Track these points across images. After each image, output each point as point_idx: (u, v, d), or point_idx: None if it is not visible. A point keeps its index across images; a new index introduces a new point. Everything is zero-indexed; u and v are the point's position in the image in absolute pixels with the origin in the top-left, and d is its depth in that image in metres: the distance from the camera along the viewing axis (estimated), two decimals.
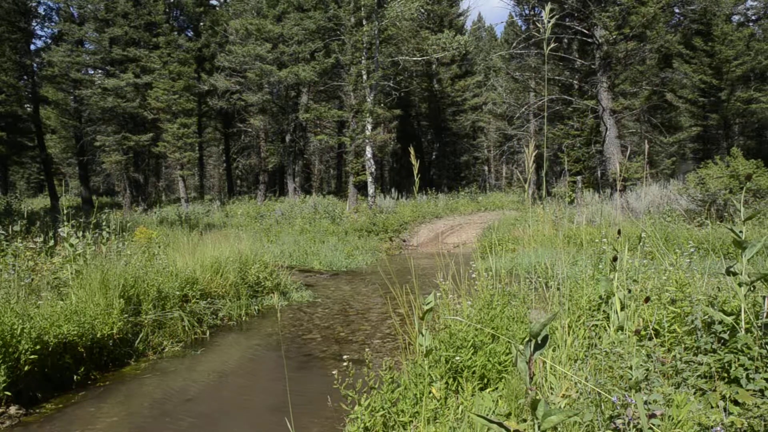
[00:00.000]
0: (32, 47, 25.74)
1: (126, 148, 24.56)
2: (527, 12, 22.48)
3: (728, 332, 2.84)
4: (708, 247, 6.52)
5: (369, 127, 20.59)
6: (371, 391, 3.16)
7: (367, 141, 20.35)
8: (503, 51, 27.40)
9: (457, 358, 3.30)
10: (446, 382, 3.25)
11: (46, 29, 29.71)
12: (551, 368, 2.89)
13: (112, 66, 24.34)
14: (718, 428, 2.11)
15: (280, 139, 25.20)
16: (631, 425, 2.14)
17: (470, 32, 43.39)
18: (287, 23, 22.16)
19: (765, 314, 2.76)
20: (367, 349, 3.61)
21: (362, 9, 19.84)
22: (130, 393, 4.64)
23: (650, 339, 3.20)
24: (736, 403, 2.48)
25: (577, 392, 2.56)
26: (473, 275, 4.30)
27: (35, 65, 25.37)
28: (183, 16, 28.30)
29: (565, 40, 19.14)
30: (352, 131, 20.58)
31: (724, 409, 2.38)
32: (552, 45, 3.01)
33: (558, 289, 3.73)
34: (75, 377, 4.79)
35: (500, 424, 1.74)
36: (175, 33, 26.56)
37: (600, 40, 16.77)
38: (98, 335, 5.12)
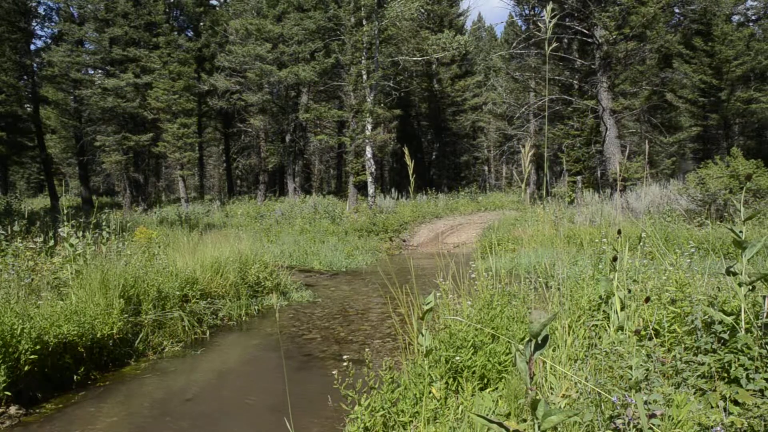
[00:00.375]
0: (32, 47, 25.75)
1: (126, 148, 24.56)
2: (527, 12, 22.48)
3: (728, 332, 2.84)
4: (708, 247, 6.52)
5: (369, 127, 20.59)
6: (371, 391, 3.16)
7: (367, 141, 20.35)
8: (503, 51, 27.40)
9: (457, 358, 3.30)
10: (446, 382, 3.25)
11: (46, 29, 29.72)
12: (551, 368, 2.89)
13: (112, 66, 24.34)
14: (718, 428, 2.11)
15: (280, 139, 25.21)
16: (631, 425, 2.14)
17: (470, 32, 43.40)
18: (287, 23, 22.16)
19: (765, 314, 2.76)
20: (367, 349, 3.61)
21: (362, 9, 19.84)
22: (130, 393, 4.64)
23: (650, 339, 3.20)
24: (736, 403, 2.48)
25: (577, 392, 2.56)
26: (473, 275, 4.30)
27: (35, 65, 25.38)
28: (183, 16, 28.30)
29: (565, 40, 19.14)
30: (352, 131, 20.59)
31: (724, 409, 2.38)
32: (553, 45, 3.01)
33: (558, 289, 3.73)
34: (75, 377, 4.79)
35: (500, 424, 1.74)
36: (175, 33, 26.56)
37: (600, 40, 16.77)
38: (98, 335, 5.12)
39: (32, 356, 4.35)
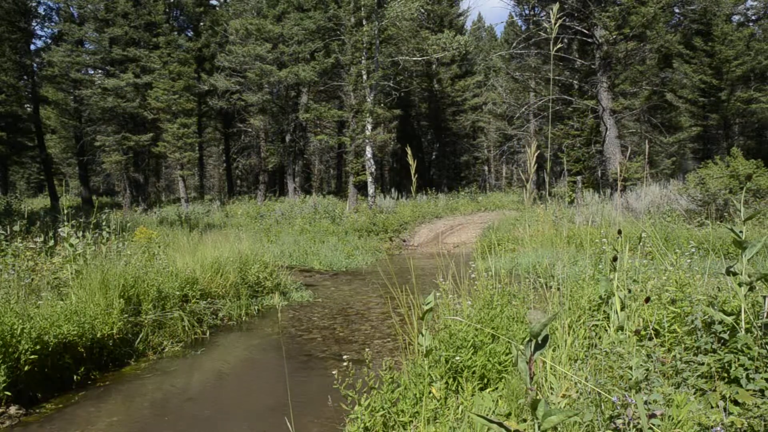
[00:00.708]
0: (32, 47, 25.78)
1: (126, 148, 24.56)
2: (527, 12, 22.49)
3: (728, 332, 2.84)
4: (708, 247, 6.52)
5: (369, 127, 20.59)
6: (371, 391, 3.16)
7: (367, 141, 20.35)
8: (503, 51, 27.40)
9: (457, 358, 3.30)
10: (446, 382, 3.25)
11: (46, 29, 29.75)
12: (551, 368, 2.89)
13: (112, 66, 24.34)
14: (718, 428, 2.11)
15: (280, 139, 25.21)
16: (631, 425, 2.14)
17: (470, 32, 43.40)
18: (287, 23, 22.16)
19: (765, 314, 2.76)
20: (367, 349, 3.61)
21: (362, 9, 19.84)
22: (130, 393, 4.64)
23: (650, 339, 3.20)
24: (736, 403, 2.48)
25: (577, 392, 2.56)
26: (473, 275, 4.30)
27: (35, 65, 25.38)
28: (183, 16, 28.30)
29: (565, 40, 19.14)
30: (352, 131, 20.59)
31: (724, 409, 2.38)
32: (558, 46, 3.01)
33: (558, 289, 3.73)
34: (75, 377, 4.79)
35: (500, 424, 1.74)
36: (175, 33, 26.56)
37: (600, 40, 16.77)
38: (98, 335, 5.12)
39: (32, 356, 4.35)
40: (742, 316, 2.77)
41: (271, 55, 22.29)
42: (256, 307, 7.56)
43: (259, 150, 27.45)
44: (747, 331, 2.75)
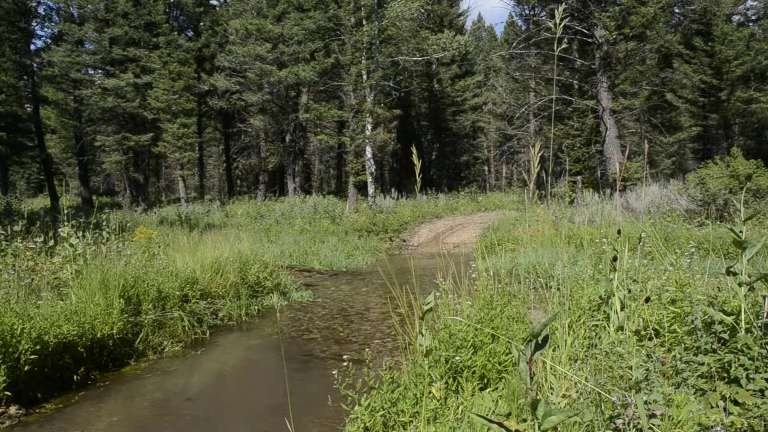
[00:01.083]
0: (32, 47, 25.77)
1: (126, 148, 24.56)
2: (527, 12, 22.49)
3: (728, 332, 2.84)
4: (708, 247, 6.52)
5: (369, 127, 20.59)
6: (371, 391, 3.16)
7: (367, 141, 20.35)
8: (503, 51, 27.40)
9: (457, 358, 3.30)
10: (446, 382, 3.25)
11: (46, 29, 29.75)
12: (551, 368, 2.89)
13: (112, 66, 24.34)
14: (718, 428, 2.11)
15: (280, 139, 25.21)
16: (631, 425, 2.14)
17: (470, 32, 43.40)
18: (287, 23, 22.16)
19: (765, 314, 2.76)
20: (367, 349, 3.61)
21: (362, 9, 19.84)
22: (130, 393, 4.64)
23: (650, 339, 3.20)
24: (736, 403, 2.48)
25: (577, 392, 2.56)
26: (473, 275, 4.30)
27: (35, 65, 25.38)
28: (183, 16, 28.31)
29: (565, 40, 19.14)
30: (352, 131, 20.59)
31: (724, 409, 2.38)
32: (562, 46, 3.02)
33: (558, 289, 3.73)
34: (75, 377, 4.79)
35: (500, 424, 1.74)
36: (175, 33, 26.56)
37: (600, 40, 16.77)
38: (98, 335, 5.12)
39: (32, 356, 4.35)
40: (742, 316, 2.77)
41: (271, 55, 22.29)
42: (256, 307, 7.56)
43: (259, 150, 27.45)
44: (747, 331, 2.75)
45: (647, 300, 3.28)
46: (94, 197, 30.22)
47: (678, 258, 4.36)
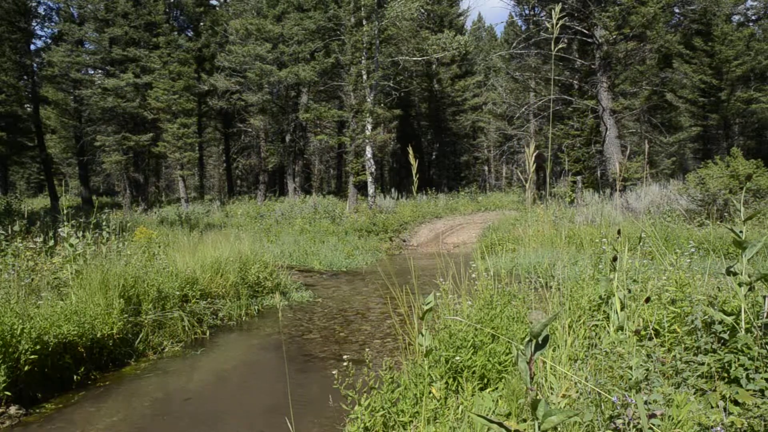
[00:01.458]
0: (32, 47, 25.77)
1: (126, 148, 24.56)
2: (527, 12, 22.49)
3: (728, 332, 2.84)
4: (708, 247, 6.52)
5: (369, 127, 20.59)
6: (371, 391, 3.16)
7: (367, 141, 20.35)
8: (503, 51, 27.40)
9: (457, 358, 3.30)
10: (446, 382, 3.25)
11: (46, 29, 29.77)
12: (551, 368, 2.89)
13: (112, 66, 24.34)
14: (718, 428, 2.11)
15: (280, 139, 25.21)
16: (631, 425, 2.14)
17: (470, 32, 43.39)
18: (287, 23, 22.16)
19: (765, 314, 2.76)
20: (367, 349, 3.61)
21: (362, 9, 19.84)
22: (130, 393, 4.64)
23: (650, 339, 3.20)
24: (736, 403, 2.48)
25: (577, 392, 2.56)
26: (473, 275, 4.30)
27: (35, 65, 25.38)
28: (183, 16, 28.30)
29: (565, 40, 19.14)
30: (352, 131, 20.59)
31: (724, 409, 2.38)
32: (560, 45, 3.02)
33: (558, 289, 3.73)
34: (75, 377, 4.79)
35: (500, 424, 1.74)
36: (175, 33, 26.56)
37: (600, 40, 16.77)
38: (98, 335, 5.12)
39: (32, 356, 4.35)
40: (742, 316, 2.77)
41: (271, 55, 22.29)
42: (256, 307, 7.56)
43: (259, 150, 27.45)
44: (747, 331, 2.75)
45: (647, 300, 3.28)
46: (94, 197, 30.18)
47: (678, 258, 4.36)
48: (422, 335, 2.74)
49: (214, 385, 4.83)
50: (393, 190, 26.60)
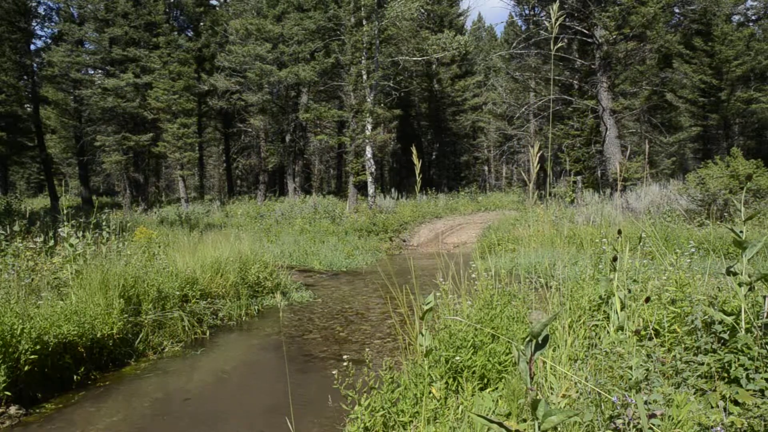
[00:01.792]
0: (32, 47, 25.77)
1: (126, 148, 24.56)
2: (527, 12, 22.48)
3: (728, 332, 2.84)
4: (708, 247, 6.52)
5: (369, 127, 20.59)
6: (371, 391, 3.16)
7: (367, 141, 20.35)
8: (503, 51, 27.40)
9: (457, 358, 3.30)
10: (446, 382, 3.25)
11: (46, 29, 29.78)
12: (551, 368, 2.89)
13: (112, 66, 24.35)
14: (718, 428, 2.11)
15: (280, 139, 25.21)
16: (631, 425, 2.14)
17: (470, 32, 43.39)
18: (287, 23, 22.16)
19: (765, 314, 2.76)
20: (367, 349, 3.61)
21: (362, 9, 19.84)
22: (130, 393, 4.64)
23: (650, 339, 3.20)
24: (736, 403, 2.48)
25: (577, 392, 2.56)
26: (473, 275, 4.30)
27: (35, 65, 25.38)
28: (183, 16, 28.30)
29: (565, 40, 19.14)
30: (352, 131, 20.59)
31: (724, 409, 2.38)
32: (558, 45, 3.02)
33: (558, 289, 3.73)
34: (75, 377, 4.79)
35: (500, 424, 1.74)
36: (175, 33, 26.56)
37: (600, 40, 16.77)
38: (98, 335, 5.12)
39: (32, 356, 4.35)
40: (742, 316, 2.77)
41: (271, 55, 22.29)
42: (256, 307, 7.56)
43: (259, 150, 27.45)
44: (747, 331, 2.75)
45: (647, 300, 3.28)
46: (94, 197, 30.19)
47: (678, 258, 4.36)
48: (422, 335, 2.74)
49: (214, 385, 4.83)
50: (393, 190, 26.60)
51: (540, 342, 1.71)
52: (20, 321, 4.41)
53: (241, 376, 5.12)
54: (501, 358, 3.35)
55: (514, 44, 20.74)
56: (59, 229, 6.54)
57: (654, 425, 2.15)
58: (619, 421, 2.18)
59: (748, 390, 2.47)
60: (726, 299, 3.19)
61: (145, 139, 24.04)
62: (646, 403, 2.21)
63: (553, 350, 3.20)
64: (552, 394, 2.69)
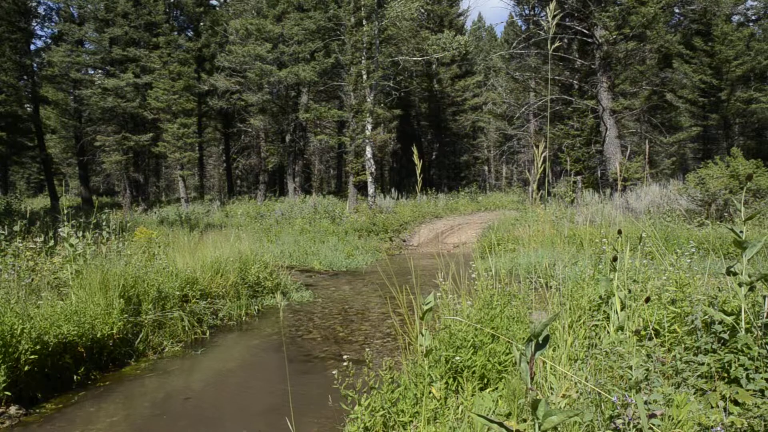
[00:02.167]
0: (32, 47, 25.77)
1: (126, 148, 24.57)
2: (527, 12, 22.48)
3: (728, 332, 2.84)
4: (708, 247, 6.52)
5: (369, 127, 20.59)
6: (371, 391, 3.16)
7: (367, 141, 20.35)
8: (503, 51, 27.39)
9: (457, 358, 3.30)
10: (446, 382, 3.25)
11: (46, 29, 29.80)
12: (551, 368, 2.89)
13: (112, 66, 24.35)
14: (718, 428, 2.11)
15: (280, 139, 25.21)
16: (631, 425, 2.14)
17: (470, 32, 43.40)
18: (287, 23, 22.16)
19: (765, 314, 2.76)
20: (367, 349, 3.61)
21: (362, 9, 19.84)
22: (130, 393, 4.64)
23: (650, 339, 3.20)
24: (736, 403, 2.48)
25: (577, 392, 2.56)
26: (473, 275, 4.30)
27: (35, 65, 25.38)
28: (183, 16, 28.30)
29: (565, 40, 19.14)
30: (352, 131, 20.59)
31: (724, 409, 2.38)
32: (555, 44, 3.02)
33: (558, 289, 3.73)
34: (75, 377, 4.79)
35: (500, 424, 1.74)
36: (175, 33, 26.55)
37: (600, 40, 16.77)
38: (98, 335, 5.12)
39: (32, 356, 4.35)
40: (742, 316, 2.77)
41: (271, 55, 22.29)
42: (256, 307, 7.56)
43: (259, 150, 27.45)
44: (747, 331, 2.75)
45: (647, 300, 3.28)
46: (94, 197, 30.12)
47: (678, 258, 4.36)
48: (422, 335, 2.74)
49: (214, 385, 4.83)
50: (393, 190, 26.61)
51: (540, 342, 1.71)
52: (20, 321, 4.41)
53: (241, 376, 5.12)
54: (501, 358, 3.35)
55: (514, 44, 20.74)
56: (59, 229, 6.54)
57: (654, 425, 2.15)
58: (619, 421, 2.18)
59: (748, 390, 2.47)
60: (726, 299, 3.19)
61: (145, 139, 24.04)
62: (646, 403, 2.21)
63: (553, 350, 3.20)
64: (552, 394, 2.69)
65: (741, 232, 2.81)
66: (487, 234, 13.30)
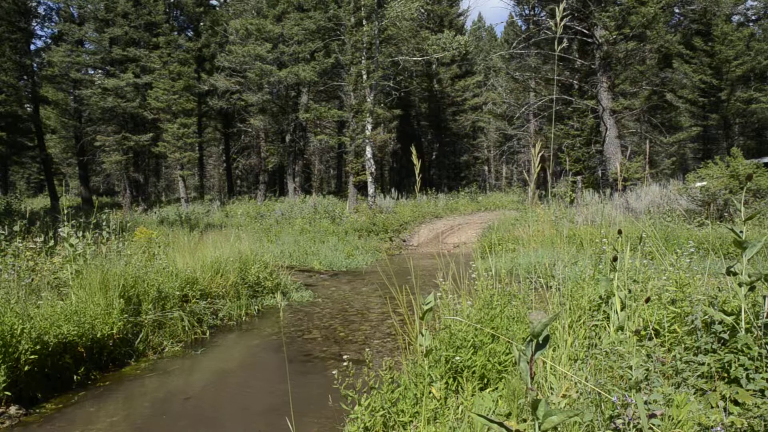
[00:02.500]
0: (32, 47, 25.78)
1: (126, 148, 24.57)
2: (527, 12, 22.49)
3: (728, 332, 2.84)
4: (708, 247, 6.52)
5: (369, 127, 20.59)
6: (371, 391, 3.16)
7: (367, 141, 20.35)
8: (503, 51, 27.39)
9: (457, 358, 3.30)
10: (446, 382, 3.25)
11: (46, 29, 29.80)
12: (551, 368, 2.89)
13: (112, 66, 24.35)
14: (718, 428, 2.11)
15: (280, 139, 25.21)
16: (631, 425, 2.14)
17: (470, 32, 43.41)
18: (287, 23, 22.16)
19: (765, 314, 2.76)
20: (367, 349, 3.61)
21: (362, 9, 19.84)
22: (130, 393, 4.64)
23: (650, 339, 3.20)
24: (736, 403, 2.48)
25: (577, 392, 2.56)
26: (473, 275, 4.30)
27: (35, 65, 25.39)
28: (183, 16, 28.30)
29: (565, 40, 19.14)
30: (352, 131, 20.59)
31: (724, 409, 2.38)
32: (562, 45, 3.02)
33: (558, 289, 3.73)
34: (75, 377, 4.79)
35: (501, 424, 1.74)
36: (175, 33, 26.56)
37: (600, 40, 16.77)
38: (98, 335, 5.12)
39: (32, 356, 4.35)
40: (742, 316, 2.77)
41: (271, 55, 22.29)
42: (256, 307, 7.56)
43: (259, 150, 27.45)
44: (747, 331, 2.75)
45: (647, 300, 3.28)
46: (94, 197, 30.12)
47: (678, 258, 4.36)
48: (422, 335, 2.74)
49: (214, 385, 4.83)
50: (393, 190, 26.61)
51: (540, 342, 1.71)
52: (20, 321, 4.41)
53: (241, 376, 5.12)
54: (501, 358, 3.35)
55: (514, 44, 20.74)
56: (59, 229, 6.54)
57: (654, 425, 2.15)
58: (619, 421, 2.18)
59: (748, 390, 2.47)
60: (726, 299, 3.19)
61: (145, 139, 24.04)
62: (646, 403, 2.21)
63: (553, 350, 3.20)
64: (552, 394, 2.69)
65: (741, 232, 2.81)
66: (487, 234, 13.30)
